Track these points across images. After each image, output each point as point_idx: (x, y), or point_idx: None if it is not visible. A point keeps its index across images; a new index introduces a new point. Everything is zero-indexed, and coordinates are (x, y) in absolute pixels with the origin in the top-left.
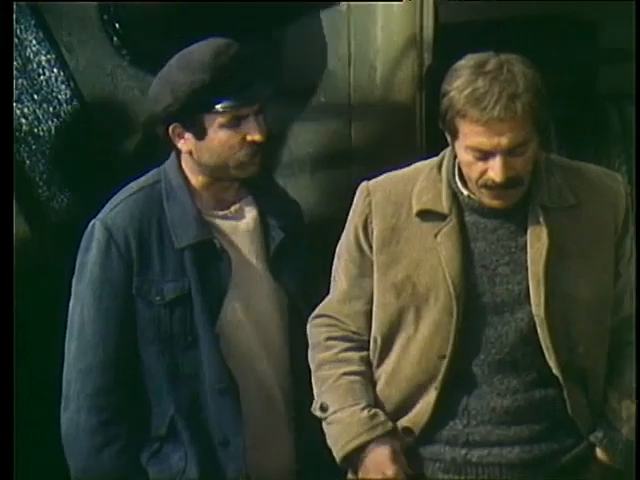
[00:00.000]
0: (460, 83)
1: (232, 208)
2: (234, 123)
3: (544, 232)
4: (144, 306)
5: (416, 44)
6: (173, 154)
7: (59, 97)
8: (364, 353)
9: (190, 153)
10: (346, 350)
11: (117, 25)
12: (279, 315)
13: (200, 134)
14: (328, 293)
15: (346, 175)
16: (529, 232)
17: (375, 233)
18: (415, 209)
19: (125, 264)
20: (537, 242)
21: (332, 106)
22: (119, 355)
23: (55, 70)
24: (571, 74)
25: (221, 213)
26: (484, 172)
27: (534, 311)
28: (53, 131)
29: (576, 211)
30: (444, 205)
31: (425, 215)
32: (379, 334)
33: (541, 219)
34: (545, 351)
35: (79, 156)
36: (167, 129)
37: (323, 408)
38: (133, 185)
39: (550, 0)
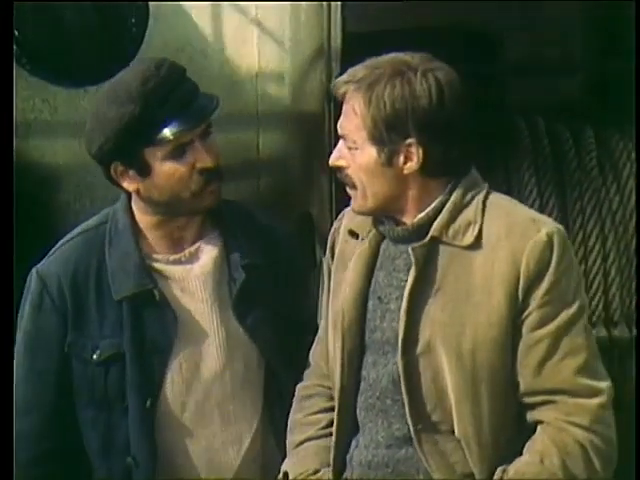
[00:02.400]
0: None
1: (187, 251)
2: (178, 152)
3: (414, 265)
4: (79, 364)
5: (324, 54)
6: (123, 193)
7: None
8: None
9: (138, 192)
10: (316, 412)
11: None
12: (244, 373)
13: (144, 171)
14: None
15: (254, 186)
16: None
17: (334, 258)
18: (347, 229)
19: (60, 318)
20: (410, 276)
21: (240, 117)
22: (56, 422)
23: None
24: (479, 87)
25: (172, 258)
26: None
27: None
28: None
29: (473, 253)
30: (365, 226)
31: (355, 237)
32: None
33: (423, 251)
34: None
35: None
36: (109, 170)
37: (285, 477)
38: (77, 228)
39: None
